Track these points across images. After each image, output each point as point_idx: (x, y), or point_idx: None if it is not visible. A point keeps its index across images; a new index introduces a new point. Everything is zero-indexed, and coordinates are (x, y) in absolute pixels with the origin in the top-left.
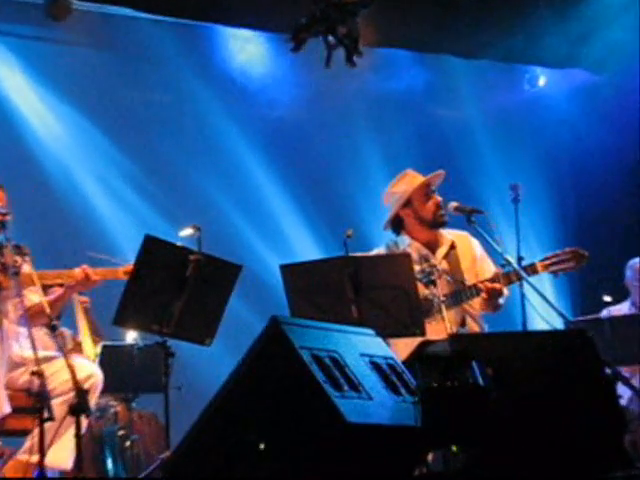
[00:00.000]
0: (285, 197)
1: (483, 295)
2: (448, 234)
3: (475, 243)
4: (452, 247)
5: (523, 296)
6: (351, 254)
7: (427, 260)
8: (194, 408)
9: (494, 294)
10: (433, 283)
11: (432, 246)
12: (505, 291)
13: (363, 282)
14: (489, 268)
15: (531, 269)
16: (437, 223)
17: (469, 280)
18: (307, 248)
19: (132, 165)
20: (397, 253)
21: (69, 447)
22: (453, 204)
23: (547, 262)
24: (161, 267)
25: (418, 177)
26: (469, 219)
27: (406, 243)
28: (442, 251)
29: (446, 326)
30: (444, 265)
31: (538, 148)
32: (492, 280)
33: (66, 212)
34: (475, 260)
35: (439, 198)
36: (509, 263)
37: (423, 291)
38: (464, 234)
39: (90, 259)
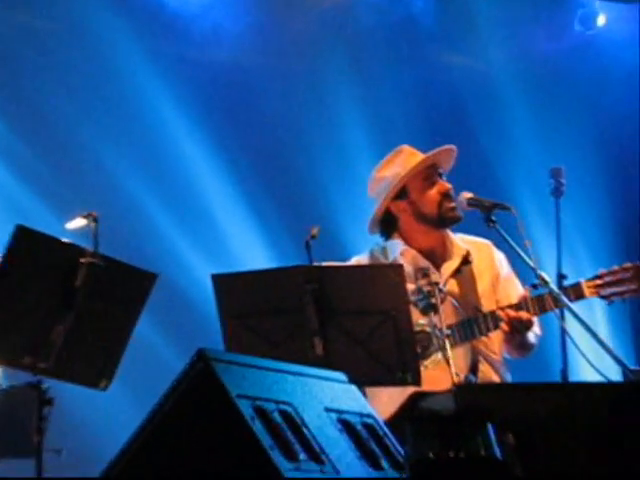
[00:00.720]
0: (225, 180)
1: (503, 327)
2: (462, 241)
3: (501, 258)
4: (466, 260)
5: (563, 332)
6: (316, 263)
7: (426, 275)
8: None
9: (519, 326)
10: (434, 309)
11: (436, 256)
12: (537, 328)
13: (332, 304)
14: (516, 293)
15: (575, 292)
16: (444, 220)
17: (487, 308)
18: (255, 253)
19: None
20: (383, 264)
21: None
22: (465, 195)
23: (598, 282)
24: (38, 272)
25: (417, 155)
26: (488, 218)
27: (398, 250)
28: (451, 265)
29: (450, 372)
30: (452, 285)
31: (591, 117)
32: (517, 306)
33: None
34: (498, 281)
35: (448, 185)
36: (544, 283)
37: (419, 320)
38: (486, 243)
39: None
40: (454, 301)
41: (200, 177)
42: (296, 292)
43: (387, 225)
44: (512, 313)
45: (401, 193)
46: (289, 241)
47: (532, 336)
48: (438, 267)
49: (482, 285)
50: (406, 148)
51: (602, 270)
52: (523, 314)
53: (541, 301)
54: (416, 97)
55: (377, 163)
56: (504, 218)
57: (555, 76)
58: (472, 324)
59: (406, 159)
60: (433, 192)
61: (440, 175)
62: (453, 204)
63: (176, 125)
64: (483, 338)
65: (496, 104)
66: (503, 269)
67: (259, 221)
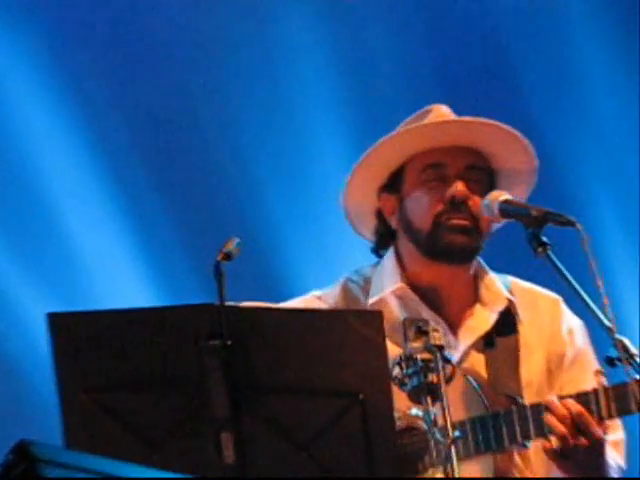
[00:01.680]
0: (86, 181)
1: (554, 435)
2: (508, 287)
3: (574, 326)
4: (506, 321)
5: None
6: (231, 303)
7: (423, 333)
8: None
9: (579, 440)
10: (431, 393)
11: (452, 307)
12: (615, 453)
13: (255, 375)
14: (588, 382)
15: None
16: (437, 245)
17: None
18: (135, 289)
19: None
20: (347, 310)
21: None
22: (497, 195)
23: None
24: None
25: (444, 119)
26: (536, 238)
27: (388, 286)
28: (478, 326)
29: None
30: (475, 361)
31: None
32: (579, 399)
33: None
34: (561, 365)
35: (462, 187)
36: (627, 355)
37: (408, 409)
38: (552, 298)
39: None
40: (473, 381)
41: (48, 174)
42: (191, 352)
43: (381, 234)
44: (574, 407)
45: (395, 179)
46: (191, 270)
47: (612, 468)
48: (454, 327)
49: (530, 366)
50: (440, 108)
51: None
52: (587, 420)
53: (621, 392)
54: (424, 44)
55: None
56: (565, 241)
57: None
58: (499, 423)
59: (427, 124)
60: (434, 195)
61: (471, 169)
62: (461, 221)
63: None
64: (516, 455)
65: (562, 53)
66: (574, 346)
67: (145, 239)
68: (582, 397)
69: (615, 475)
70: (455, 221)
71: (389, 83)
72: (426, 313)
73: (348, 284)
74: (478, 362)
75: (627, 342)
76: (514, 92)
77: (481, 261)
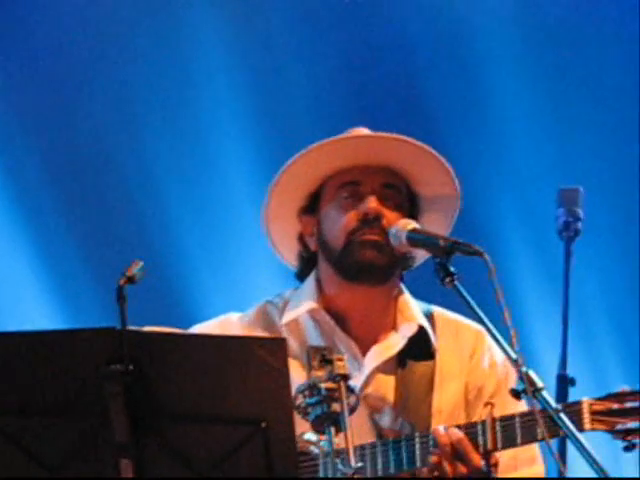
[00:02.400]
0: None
1: (433, 458)
2: (420, 312)
3: (498, 361)
4: (421, 347)
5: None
6: (133, 327)
7: (327, 362)
8: None
9: (446, 471)
10: (334, 423)
11: (365, 329)
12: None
13: (156, 401)
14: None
15: (570, 417)
16: (348, 262)
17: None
18: (32, 311)
19: None
20: (248, 337)
21: None
22: (404, 224)
23: (612, 406)
24: None
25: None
26: (443, 268)
27: (303, 308)
28: (388, 349)
29: None
30: (382, 386)
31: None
32: (468, 428)
33: None
34: (479, 398)
35: (374, 204)
36: (533, 389)
37: (304, 435)
38: (475, 330)
39: None
40: (373, 414)
41: None
42: (91, 377)
43: (304, 259)
44: (454, 435)
45: (313, 200)
46: (95, 293)
47: None
48: (365, 349)
49: (443, 395)
50: (360, 130)
51: (624, 387)
52: (465, 448)
53: (508, 424)
54: (347, 69)
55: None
56: (473, 271)
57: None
58: (393, 449)
59: (335, 140)
60: (347, 213)
61: (386, 187)
62: (372, 236)
63: None
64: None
65: (470, 78)
66: (495, 379)
67: (48, 261)
68: (469, 427)
69: None
70: (366, 236)
71: (302, 105)
72: (339, 336)
73: (267, 307)
74: (385, 385)
75: (533, 374)
76: (428, 119)
77: (402, 287)
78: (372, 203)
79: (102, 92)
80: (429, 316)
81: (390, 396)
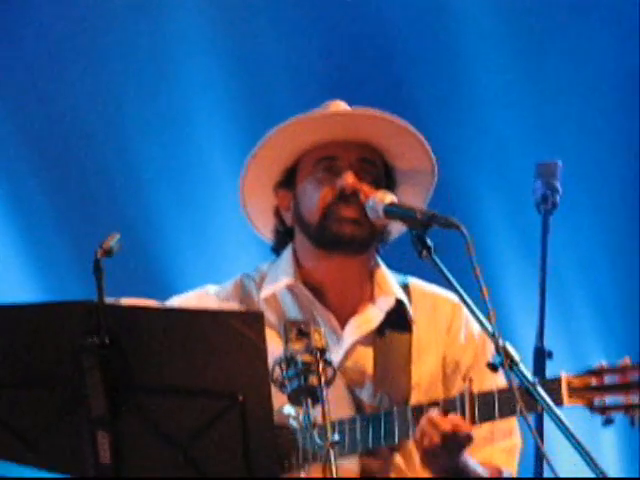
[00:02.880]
0: None
1: (417, 434)
2: (398, 285)
3: (475, 332)
4: (398, 320)
5: (540, 455)
6: (111, 300)
7: (304, 335)
8: None
9: (445, 441)
10: (311, 396)
11: (343, 302)
12: (505, 458)
13: (132, 374)
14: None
15: (549, 392)
16: (325, 235)
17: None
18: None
19: None
20: (225, 310)
21: None
22: (381, 197)
23: (591, 382)
24: None
25: (336, 111)
26: (420, 240)
27: (281, 282)
28: (366, 321)
29: None
30: (360, 358)
31: (610, 79)
32: (446, 404)
33: None
34: (457, 370)
35: (351, 179)
36: (509, 362)
37: (283, 407)
38: (452, 301)
39: None
40: (351, 388)
41: None
42: (68, 349)
43: (279, 233)
44: (443, 425)
45: (289, 175)
46: (73, 266)
47: (483, 471)
48: (343, 322)
49: (421, 367)
50: (338, 103)
51: (602, 363)
52: (460, 425)
53: (486, 399)
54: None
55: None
56: (451, 244)
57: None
58: (366, 425)
59: (312, 116)
60: (324, 187)
61: (363, 162)
62: (350, 212)
63: None
64: (396, 458)
65: (449, 52)
66: (472, 352)
67: (26, 234)
68: (448, 403)
69: (483, 473)
70: (343, 212)
71: (281, 80)
72: (318, 309)
73: (243, 280)
74: (364, 358)
75: (510, 348)
76: (406, 94)
77: (378, 260)
78: (349, 179)
79: (80, 68)
80: (405, 288)
81: (369, 369)
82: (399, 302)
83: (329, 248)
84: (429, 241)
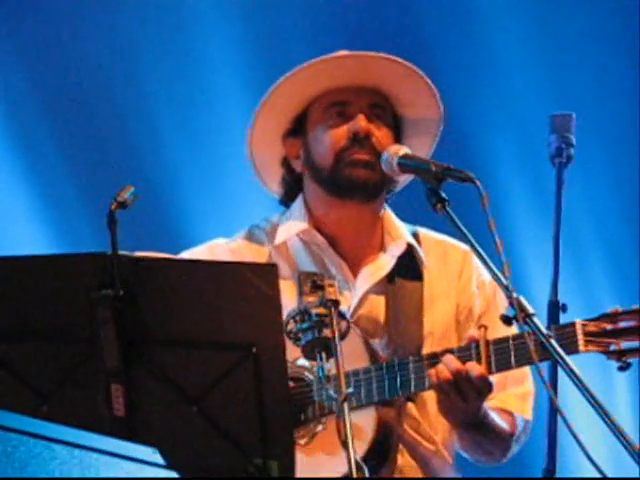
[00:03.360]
0: None
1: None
2: (408, 232)
3: (485, 280)
4: (410, 266)
5: (553, 407)
6: (125, 252)
7: (318, 288)
8: None
9: (463, 388)
10: (325, 349)
11: (354, 250)
12: (520, 404)
13: (146, 327)
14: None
15: (564, 341)
16: (339, 178)
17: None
18: (25, 234)
19: None
20: (239, 262)
21: None
22: (395, 149)
23: (606, 327)
24: None
25: (343, 58)
26: (434, 194)
27: (293, 231)
28: (377, 270)
29: (350, 454)
30: (373, 307)
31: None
32: (461, 350)
33: None
34: (470, 317)
35: (363, 123)
36: (523, 315)
37: (296, 360)
38: (461, 249)
39: None
40: (366, 338)
41: None
42: (82, 302)
43: (287, 183)
44: (453, 363)
45: (299, 123)
46: (88, 218)
47: (502, 422)
48: (356, 269)
49: (434, 315)
50: (345, 53)
51: (616, 307)
52: (472, 368)
53: (501, 347)
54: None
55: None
56: (465, 197)
57: None
58: (382, 375)
59: (323, 59)
60: (336, 131)
61: (374, 107)
62: (363, 156)
63: None
64: (410, 408)
65: (462, 6)
66: (484, 299)
67: (40, 187)
68: (463, 351)
69: (501, 423)
70: (357, 156)
71: (293, 29)
72: (330, 256)
73: (254, 230)
74: (377, 306)
75: (523, 301)
76: (420, 47)
77: (387, 208)
78: (362, 122)
79: (96, 23)
80: (415, 236)
81: (382, 317)
82: (409, 248)
83: (342, 194)
84: (443, 194)
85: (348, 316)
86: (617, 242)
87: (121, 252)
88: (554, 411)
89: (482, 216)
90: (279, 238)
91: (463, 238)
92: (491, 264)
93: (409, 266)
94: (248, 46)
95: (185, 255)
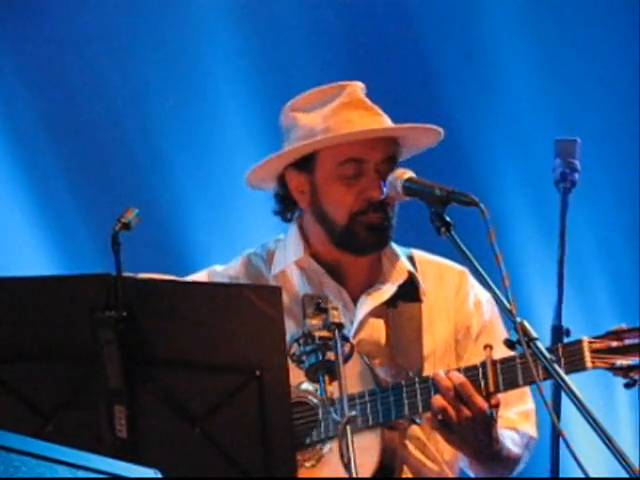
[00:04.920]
0: None
1: (435, 402)
2: (403, 256)
3: (483, 299)
4: (408, 289)
5: (554, 427)
6: (129, 274)
7: (322, 311)
8: None
9: (457, 420)
10: (328, 371)
11: (354, 277)
12: (524, 425)
13: (150, 348)
14: (496, 354)
15: (570, 359)
16: (357, 243)
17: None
18: (27, 257)
19: None
20: (245, 285)
21: None
22: (401, 174)
23: (611, 344)
24: None
25: (365, 108)
26: (439, 218)
27: (291, 257)
28: (379, 294)
29: (352, 474)
30: (373, 331)
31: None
32: (468, 371)
33: None
34: (467, 337)
35: (379, 190)
36: (526, 338)
37: (300, 384)
38: (458, 270)
39: None
40: (369, 361)
41: None
42: (85, 323)
43: (282, 200)
44: (457, 379)
45: (306, 159)
46: (92, 239)
47: (510, 440)
48: (356, 299)
49: (434, 337)
50: (355, 87)
51: (621, 325)
52: (469, 391)
53: (508, 366)
54: (334, 30)
55: (301, 97)
56: (469, 221)
57: None
58: (387, 398)
59: (344, 104)
60: (351, 192)
61: (387, 161)
62: (378, 219)
63: None
64: (415, 430)
65: (471, 33)
66: (481, 318)
67: (45, 208)
68: (469, 370)
69: (516, 446)
70: (372, 220)
71: (299, 50)
72: (329, 284)
73: (251, 257)
74: (377, 330)
75: (527, 325)
76: (426, 71)
77: None
78: (377, 190)
79: (100, 42)
80: (411, 259)
81: (382, 340)
82: (409, 274)
83: (354, 252)
84: (448, 218)
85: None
86: (621, 267)
87: (125, 274)
88: (556, 430)
89: (485, 239)
90: (277, 267)
91: (467, 262)
92: (494, 288)
93: (408, 290)
94: (255, 73)
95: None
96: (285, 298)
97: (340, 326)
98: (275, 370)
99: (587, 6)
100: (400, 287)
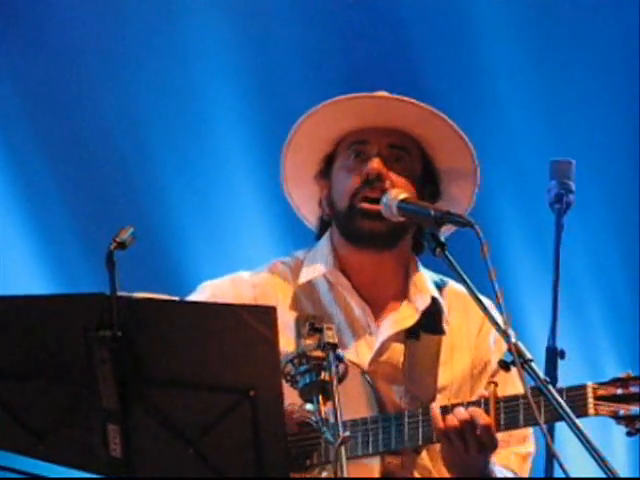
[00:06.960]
0: None
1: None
2: (433, 284)
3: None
4: (433, 320)
5: (550, 458)
6: (124, 293)
7: (316, 331)
8: None
9: (456, 438)
10: (322, 392)
11: (381, 297)
12: (518, 463)
13: (145, 369)
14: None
15: (573, 403)
16: (352, 230)
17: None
18: (24, 276)
19: None
20: (238, 305)
21: None
22: (395, 193)
23: (616, 391)
24: None
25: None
26: (433, 238)
27: (318, 268)
28: (402, 319)
29: None
30: (394, 351)
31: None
32: (470, 405)
33: None
34: (485, 371)
35: (377, 165)
36: (522, 361)
37: (306, 407)
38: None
39: None
40: (369, 379)
41: None
42: (80, 342)
43: (323, 221)
44: (462, 414)
45: (328, 164)
46: (86, 258)
47: (500, 474)
48: (379, 317)
49: (452, 369)
50: (381, 93)
51: (627, 372)
52: (479, 416)
53: (511, 405)
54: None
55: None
56: (464, 242)
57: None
58: (389, 425)
59: (337, 101)
60: (352, 174)
61: (393, 148)
62: (374, 193)
63: None
64: (423, 457)
65: (466, 50)
66: (500, 355)
67: (39, 227)
68: (472, 405)
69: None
70: (368, 193)
71: (295, 74)
72: (354, 298)
73: (278, 265)
74: (397, 353)
75: (521, 346)
76: (421, 90)
77: (415, 258)
78: (375, 164)
79: (97, 63)
80: (439, 287)
81: (400, 365)
82: (433, 301)
83: (354, 243)
84: (442, 238)
85: (368, 361)
86: (616, 289)
87: (120, 293)
88: (551, 461)
89: (479, 259)
90: (304, 277)
91: (461, 282)
92: (488, 309)
93: (431, 319)
94: (250, 91)
95: (208, 285)
96: (310, 308)
97: (334, 346)
98: (269, 390)
99: (583, 26)
100: (424, 314)
